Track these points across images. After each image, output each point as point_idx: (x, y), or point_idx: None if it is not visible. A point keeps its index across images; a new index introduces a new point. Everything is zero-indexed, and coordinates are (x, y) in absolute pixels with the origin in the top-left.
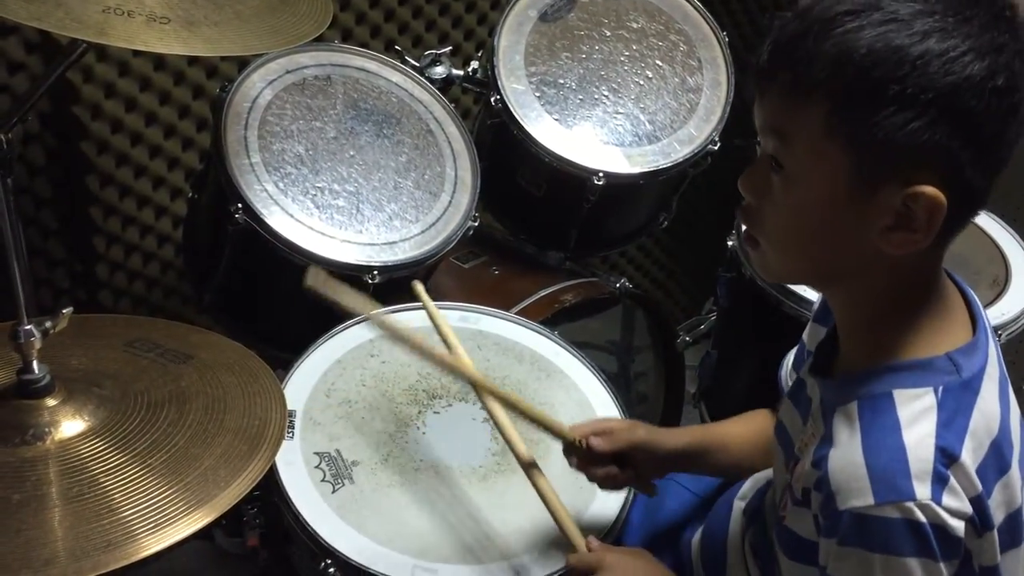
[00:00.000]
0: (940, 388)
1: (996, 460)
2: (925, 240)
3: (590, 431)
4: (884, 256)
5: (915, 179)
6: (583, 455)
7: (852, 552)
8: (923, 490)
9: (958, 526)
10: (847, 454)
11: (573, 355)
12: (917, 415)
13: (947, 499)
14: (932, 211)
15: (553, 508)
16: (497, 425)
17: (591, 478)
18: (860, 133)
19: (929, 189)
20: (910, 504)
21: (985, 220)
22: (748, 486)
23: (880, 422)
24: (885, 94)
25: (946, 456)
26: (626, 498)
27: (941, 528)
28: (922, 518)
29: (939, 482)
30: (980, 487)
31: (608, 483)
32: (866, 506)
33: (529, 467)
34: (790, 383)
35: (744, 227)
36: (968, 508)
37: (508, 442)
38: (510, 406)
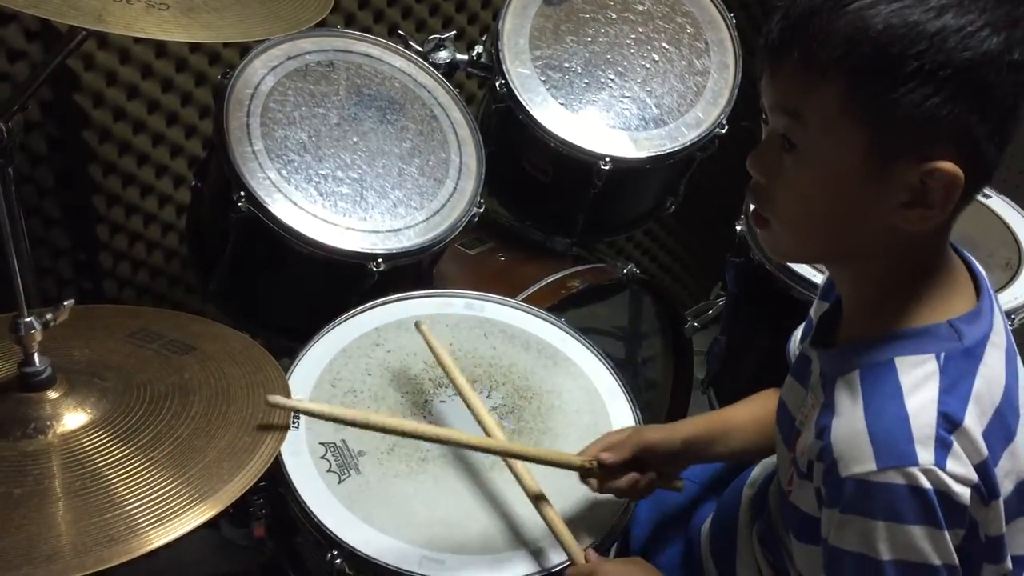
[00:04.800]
0: (942, 354)
1: (1001, 427)
2: (941, 215)
3: (598, 449)
4: (897, 233)
5: (932, 155)
6: (599, 475)
7: (854, 519)
8: (926, 455)
9: (963, 493)
10: (849, 422)
11: (580, 342)
12: (919, 381)
13: (951, 464)
14: (949, 186)
15: (551, 522)
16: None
17: (619, 494)
18: (877, 110)
19: (947, 164)
20: (913, 469)
21: (998, 203)
22: (757, 472)
23: (882, 389)
24: (903, 70)
25: (949, 421)
26: None
27: (945, 495)
28: (926, 483)
29: (943, 447)
30: (986, 452)
31: (635, 492)
32: (868, 472)
33: (529, 488)
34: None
35: (753, 206)
36: (973, 475)
37: (514, 473)
38: (518, 457)
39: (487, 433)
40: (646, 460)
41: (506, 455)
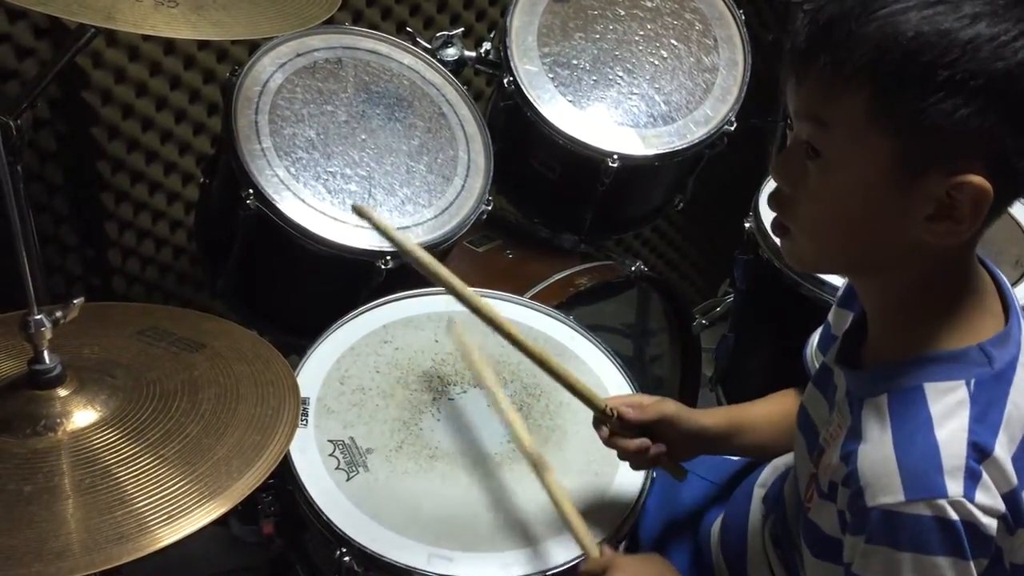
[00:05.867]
0: (972, 381)
1: None
2: (969, 230)
3: (623, 402)
4: (922, 246)
5: (961, 167)
6: (614, 425)
7: (879, 550)
8: (955, 487)
9: (990, 524)
10: (878, 450)
11: (588, 339)
12: (949, 410)
13: (980, 496)
14: (978, 200)
15: (567, 517)
16: (510, 426)
17: (622, 453)
18: (906, 119)
19: (975, 178)
20: (942, 501)
21: None
22: (767, 473)
23: (912, 417)
24: (934, 79)
25: (979, 452)
26: (643, 485)
27: (973, 526)
28: (954, 516)
29: (972, 479)
30: (1015, 481)
31: (639, 459)
32: (896, 503)
33: (543, 471)
34: (816, 365)
35: (774, 215)
36: (1001, 506)
37: (522, 450)
38: (544, 366)
39: (511, 429)
40: (663, 432)
41: (540, 362)
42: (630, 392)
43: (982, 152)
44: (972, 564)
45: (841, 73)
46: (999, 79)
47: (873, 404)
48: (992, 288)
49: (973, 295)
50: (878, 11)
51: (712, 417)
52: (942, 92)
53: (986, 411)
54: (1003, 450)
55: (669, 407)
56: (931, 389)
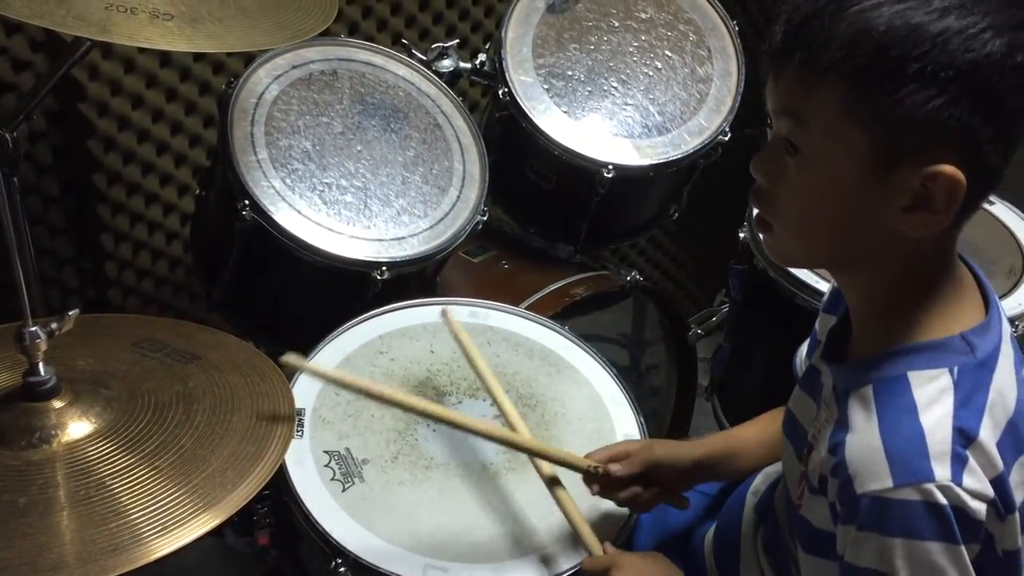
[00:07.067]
0: (956, 368)
1: (1013, 440)
2: (944, 220)
3: (607, 457)
4: (901, 238)
5: (934, 158)
6: (603, 482)
7: (871, 537)
8: (943, 471)
9: (979, 508)
10: (864, 438)
11: (584, 350)
12: (934, 396)
13: (967, 480)
14: (951, 190)
15: (570, 514)
16: (512, 426)
17: (618, 503)
18: (879, 112)
19: (948, 168)
20: (929, 486)
21: (1001, 209)
22: (760, 480)
23: (896, 404)
24: (905, 72)
25: (964, 436)
26: None
27: (961, 510)
28: (942, 500)
29: (958, 463)
30: (1001, 466)
31: (635, 504)
32: (884, 489)
33: (548, 478)
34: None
35: (756, 211)
36: (989, 490)
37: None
38: (524, 451)
39: (511, 426)
40: (656, 475)
41: (513, 447)
42: (627, 404)
43: (954, 142)
44: (963, 548)
45: (816, 69)
46: (968, 70)
47: (859, 395)
48: (972, 280)
49: (954, 287)
50: (851, 8)
51: (704, 447)
52: (914, 84)
53: (970, 397)
54: (988, 435)
55: (657, 451)
56: (915, 377)
